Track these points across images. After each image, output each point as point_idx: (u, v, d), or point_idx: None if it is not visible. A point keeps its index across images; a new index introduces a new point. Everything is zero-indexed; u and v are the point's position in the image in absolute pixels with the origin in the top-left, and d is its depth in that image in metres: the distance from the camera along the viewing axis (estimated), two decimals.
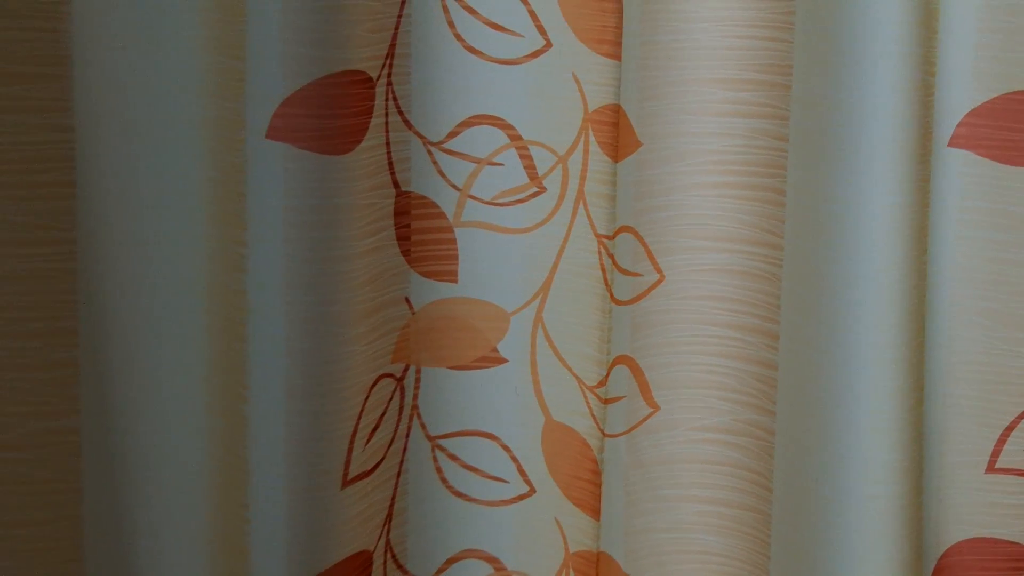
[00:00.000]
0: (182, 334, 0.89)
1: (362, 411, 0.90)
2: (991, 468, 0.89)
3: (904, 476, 0.83)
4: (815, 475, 0.84)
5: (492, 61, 0.94)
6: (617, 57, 0.93)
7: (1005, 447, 0.89)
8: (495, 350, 0.98)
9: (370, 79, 0.87)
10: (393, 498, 0.96)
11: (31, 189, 0.86)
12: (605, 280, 0.96)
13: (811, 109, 0.83)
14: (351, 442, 0.89)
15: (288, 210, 0.84)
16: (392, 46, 0.91)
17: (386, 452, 0.94)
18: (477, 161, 0.95)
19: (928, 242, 0.85)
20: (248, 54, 0.83)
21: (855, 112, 0.81)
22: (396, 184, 0.93)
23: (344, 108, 0.85)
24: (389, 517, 0.96)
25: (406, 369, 0.96)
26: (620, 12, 0.93)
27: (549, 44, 0.94)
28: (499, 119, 0.95)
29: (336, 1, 0.83)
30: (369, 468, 0.92)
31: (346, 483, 0.89)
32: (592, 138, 0.95)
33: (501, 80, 0.94)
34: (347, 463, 0.89)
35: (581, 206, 0.96)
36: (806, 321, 0.85)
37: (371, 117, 0.88)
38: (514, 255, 0.97)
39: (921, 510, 0.87)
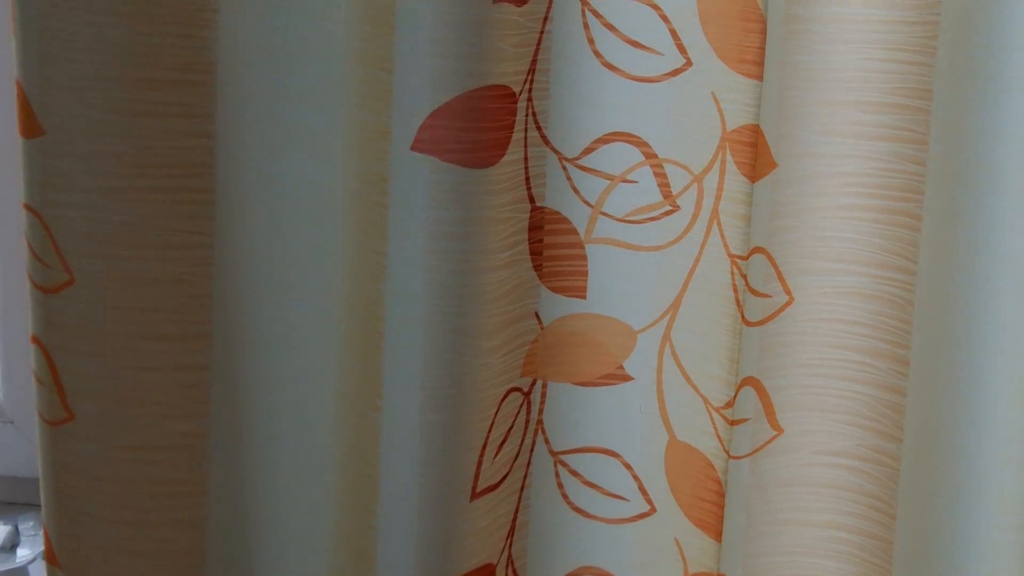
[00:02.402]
0: (317, 341, 0.90)
1: (492, 424, 0.90)
2: None
3: None
4: (942, 506, 0.83)
5: (630, 78, 0.94)
6: (758, 77, 0.93)
7: None
8: (621, 367, 0.98)
9: (513, 93, 0.88)
10: (516, 512, 0.96)
11: (173, 193, 0.87)
12: (737, 300, 0.96)
13: (951, 134, 0.83)
14: (481, 455, 0.89)
15: (432, 222, 0.84)
16: (534, 61, 0.91)
17: (511, 466, 0.94)
18: (611, 178, 0.95)
19: None
20: (395, 66, 0.84)
21: (995, 138, 0.80)
22: (532, 199, 0.94)
23: (488, 122, 0.86)
24: (512, 531, 0.96)
25: (533, 383, 0.96)
26: (763, 32, 0.93)
27: (689, 63, 0.94)
28: (635, 136, 0.95)
29: (484, 15, 0.84)
30: (496, 482, 0.92)
31: (475, 496, 0.89)
32: (729, 158, 0.95)
33: (638, 97, 0.94)
34: (476, 476, 0.89)
35: (715, 225, 0.96)
36: (938, 348, 0.84)
37: (512, 131, 0.88)
38: (644, 273, 0.97)
39: None
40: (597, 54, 0.94)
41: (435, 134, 0.83)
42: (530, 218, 0.94)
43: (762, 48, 0.93)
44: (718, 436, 0.98)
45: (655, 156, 0.95)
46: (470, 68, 0.84)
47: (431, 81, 0.83)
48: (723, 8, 0.93)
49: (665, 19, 0.93)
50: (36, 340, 0.89)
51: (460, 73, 0.84)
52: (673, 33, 0.93)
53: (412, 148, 0.84)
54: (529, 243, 0.94)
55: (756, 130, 0.93)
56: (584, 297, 0.97)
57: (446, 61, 0.83)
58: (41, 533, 0.97)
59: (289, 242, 0.89)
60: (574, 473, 0.98)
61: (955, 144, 0.82)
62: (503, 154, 0.88)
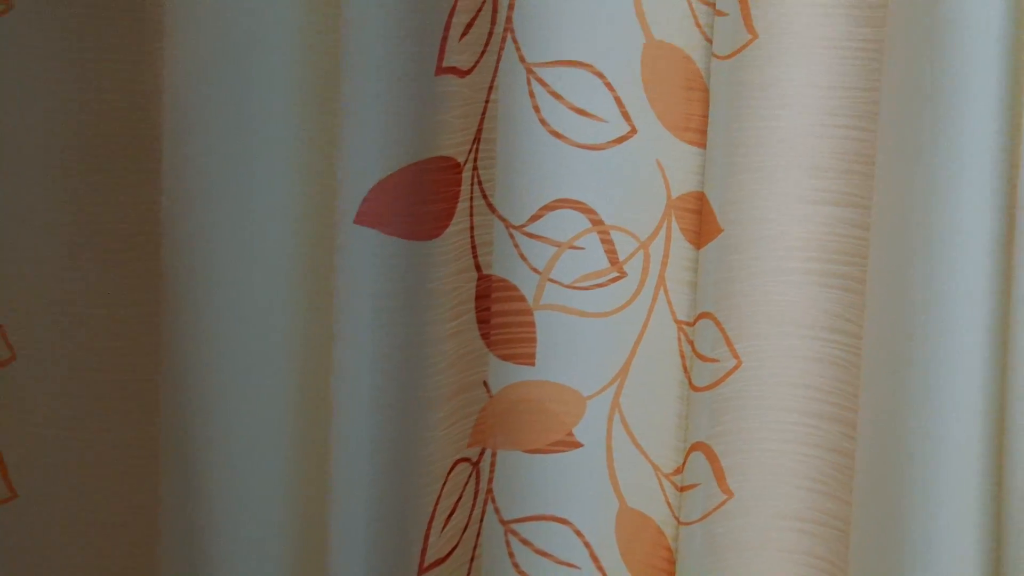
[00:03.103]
0: (268, 417, 0.89)
1: (440, 495, 0.89)
2: None
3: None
4: (891, 571, 0.83)
5: (576, 146, 0.94)
6: (702, 144, 0.94)
7: None
8: (571, 434, 0.97)
9: (458, 164, 0.88)
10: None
11: (121, 267, 0.87)
12: (684, 367, 0.96)
13: (893, 198, 0.83)
14: (429, 527, 0.88)
15: (377, 295, 0.84)
16: (479, 130, 0.91)
17: (461, 537, 0.93)
18: (558, 245, 0.95)
19: (1010, 331, 0.84)
20: (341, 138, 0.84)
21: (934, 204, 0.80)
22: (478, 267, 0.93)
23: (432, 194, 0.86)
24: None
25: (482, 453, 0.96)
26: (706, 100, 0.93)
27: (634, 130, 0.94)
28: (581, 203, 0.95)
29: (428, 89, 0.84)
30: (445, 554, 0.91)
31: (423, 570, 0.88)
32: (675, 224, 0.95)
33: (585, 164, 0.94)
34: (424, 549, 0.88)
35: (662, 292, 0.96)
36: (885, 410, 0.84)
37: (457, 201, 0.88)
38: (593, 339, 0.96)
39: None
40: (543, 122, 0.94)
41: (379, 207, 0.83)
42: (477, 287, 0.94)
43: (705, 116, 0.93)
44: (668, 503, 0.97)
45: (602, 223, 0.95)
46: (414, 141, 0.84)
47: (375, 154, 0.83)
48: (666, 76, 0.94)
49: (610, 87, 0.94)
50: None
51: (404, 146, 0.83)
52: (618, 101, 0.94)
53: (356, 221, 0.83)
54: (476, 312, 0.94)
55: (701, 197, 0.94)
56: (533, 364, 0.97)
57: (390, 134, 0.83)
58: None
59: (237, 315, 0.89)
60: (525, 542, 0.97)
61: (896, 208, 0.83)
62: (448, 225, 0.87)
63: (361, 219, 0.83)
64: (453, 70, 0.86)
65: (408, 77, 0.83)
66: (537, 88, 0.93)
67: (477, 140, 0.91)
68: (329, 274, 0.85)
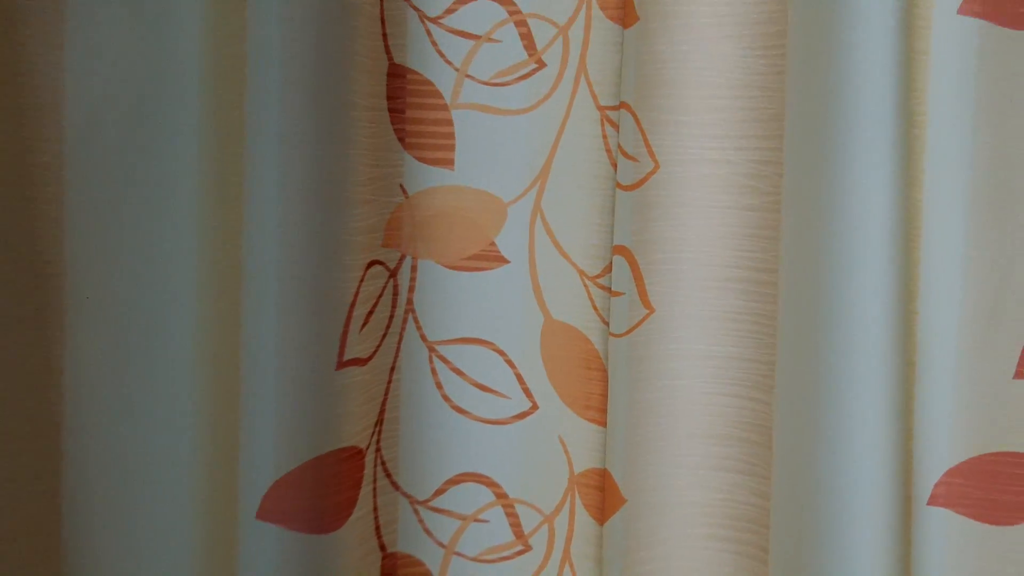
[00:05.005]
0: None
1: (357, 293, 0.87)
2: None
3: None
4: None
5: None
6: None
7: None
8: (492, 244, 0.94)
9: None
10: (385, 397, 0.93)
11: None
12: (610, 160, 0.94)
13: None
14: (346, 324, 0.86)
15: (286, 63, 0.81)
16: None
17: (380, 343, 0.91)
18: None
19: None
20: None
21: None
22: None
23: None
24: (381, 420, 0.93)
25: (401, 260, 0.93)
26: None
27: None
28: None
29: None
30: (365, 356, 0.89)
31: (340, 365, 0.86)
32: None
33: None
34: (343, 345, 0.85)
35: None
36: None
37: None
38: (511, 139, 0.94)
39: None
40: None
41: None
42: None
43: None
44: (595, 308, 0.95)
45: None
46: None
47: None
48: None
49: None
50: None
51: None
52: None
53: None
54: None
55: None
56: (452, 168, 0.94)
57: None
58: None
59: None
60: (456, 371, 0.95)
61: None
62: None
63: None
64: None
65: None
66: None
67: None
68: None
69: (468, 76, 0.92)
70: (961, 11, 0.86)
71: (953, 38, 0.86)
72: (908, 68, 0.80)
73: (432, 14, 0.91)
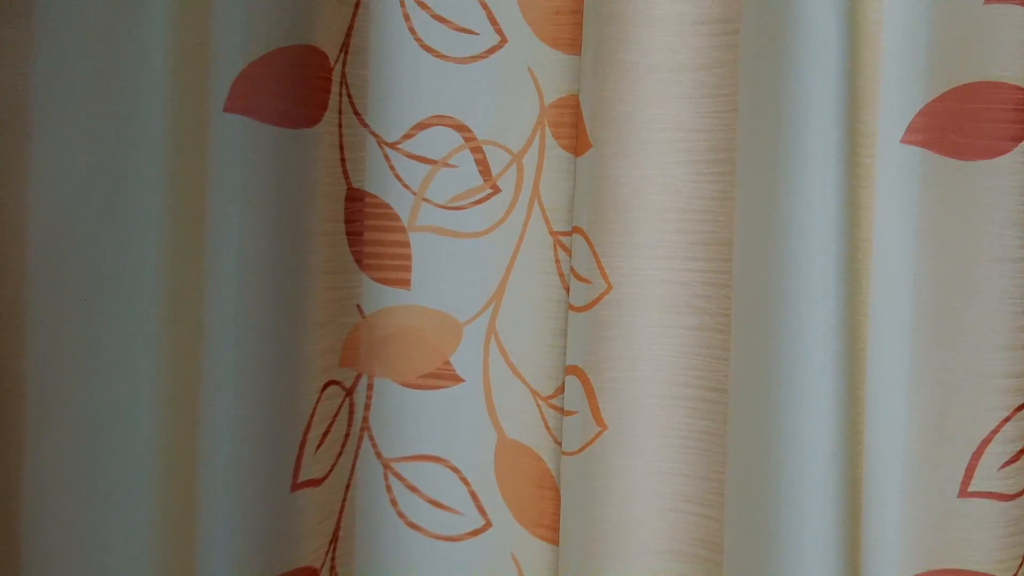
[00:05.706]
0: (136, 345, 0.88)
1: (313, 414, 0.87)
2: None
3: None
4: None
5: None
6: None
7: None
8: (448, 363, 0.95)
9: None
10: (340, 515, 0.93)
11: None
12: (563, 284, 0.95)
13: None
14: (302, 446, 0.86)
15: (247, 188, 0.82)
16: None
17: (335, 463, 0.92)
18: (432, 162, 0.95)
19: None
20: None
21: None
22: (347, 177, 0.93)
23: (304, 81, 0.84)
24: (336, 537, 0.93)
25: (357, 379, 0.94)
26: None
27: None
28: (454, 119, 0.94)
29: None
30: (319, 476, 0.89)
31: (296, 487, 0.86)
32: (548, 132, 0.94)
33: (456, 79, 0.93)
34: (297, 468, 0.86)
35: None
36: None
37: (329, 97, 0.87)
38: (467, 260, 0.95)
39: None
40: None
41: (247, 94, 0.82)
42: (347, 198, 0.93)
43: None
44: (547, 428, 0.96)
45: (475, 139, 0.94)
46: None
47: (245, 39, 0.81)
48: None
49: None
50: None
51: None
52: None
53: (225, 109, 0.82)
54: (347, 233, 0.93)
55: (575, 101, 0.93)
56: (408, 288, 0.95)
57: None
58: None
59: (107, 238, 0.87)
60: (411, 488, 0.95)
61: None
62: (320, 119, 0.86)
63: (231, 106, 0.81)
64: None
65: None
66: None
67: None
68: (201, 167, 0.84)
69: (425, 200, 0.94)
70: (904, 140, 0.88)
71: (896, 166, 0.88)
72: (852, 194, 0.83)
73: (390, 139, 0.93)
